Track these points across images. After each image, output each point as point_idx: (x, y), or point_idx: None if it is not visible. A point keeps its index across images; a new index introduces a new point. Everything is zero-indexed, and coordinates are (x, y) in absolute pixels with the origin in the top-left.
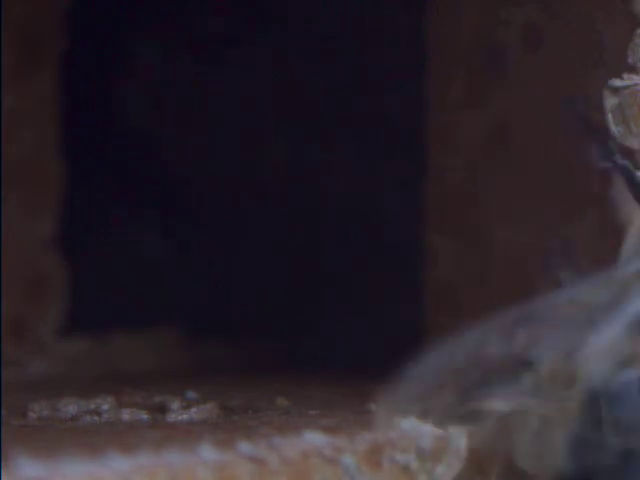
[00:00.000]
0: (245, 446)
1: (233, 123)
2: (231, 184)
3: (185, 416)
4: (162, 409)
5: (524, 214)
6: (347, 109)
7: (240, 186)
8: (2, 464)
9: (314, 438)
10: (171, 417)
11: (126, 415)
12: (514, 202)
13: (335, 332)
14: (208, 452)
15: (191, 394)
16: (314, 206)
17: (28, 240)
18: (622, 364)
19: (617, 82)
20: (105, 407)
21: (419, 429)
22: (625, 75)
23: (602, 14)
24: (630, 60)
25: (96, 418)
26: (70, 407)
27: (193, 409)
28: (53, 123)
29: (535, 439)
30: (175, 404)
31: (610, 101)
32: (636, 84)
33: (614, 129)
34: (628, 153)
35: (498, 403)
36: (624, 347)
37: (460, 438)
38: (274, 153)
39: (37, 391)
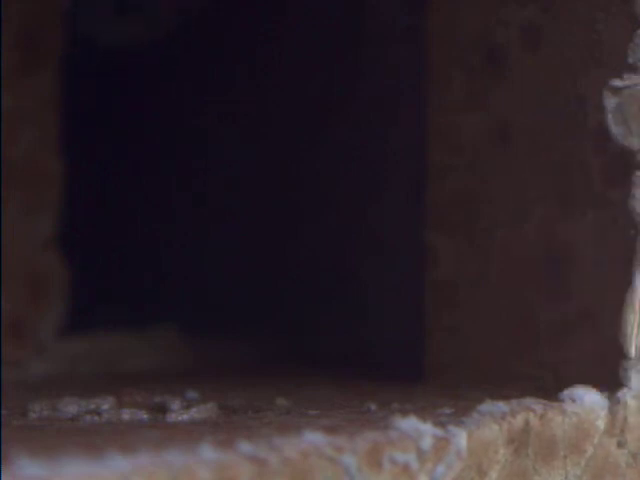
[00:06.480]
0: (245, 446)
1: None
2: (230, 185)
3: (185, 416)
4: (162, 409)
5: (524, 214)
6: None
7: (240, 187)
8: (2, 464)
9: (314, 438)
10: (171, 417)
11: (126, 415)
12: (514, 202)
13: (335, 332)
14: (208, 452)
15: (191, 394)
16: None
17: (28, 240)
18: None
19: (617, 82)
20: (105, 407)
21: (419, 429)
22: (625, 75)
23: (602, 14)
24: (630, 60)
25: (96, 418)
26: (70, 407)
27: (193, 409)
28: (53, 123)
29: None
30: (175, 404)
31: (610, 101)
32: (636, 84)
33: (614, 129)
34: (628, 153)
35: None
36: None
37: (460, 438)
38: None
39: (37, 391)
